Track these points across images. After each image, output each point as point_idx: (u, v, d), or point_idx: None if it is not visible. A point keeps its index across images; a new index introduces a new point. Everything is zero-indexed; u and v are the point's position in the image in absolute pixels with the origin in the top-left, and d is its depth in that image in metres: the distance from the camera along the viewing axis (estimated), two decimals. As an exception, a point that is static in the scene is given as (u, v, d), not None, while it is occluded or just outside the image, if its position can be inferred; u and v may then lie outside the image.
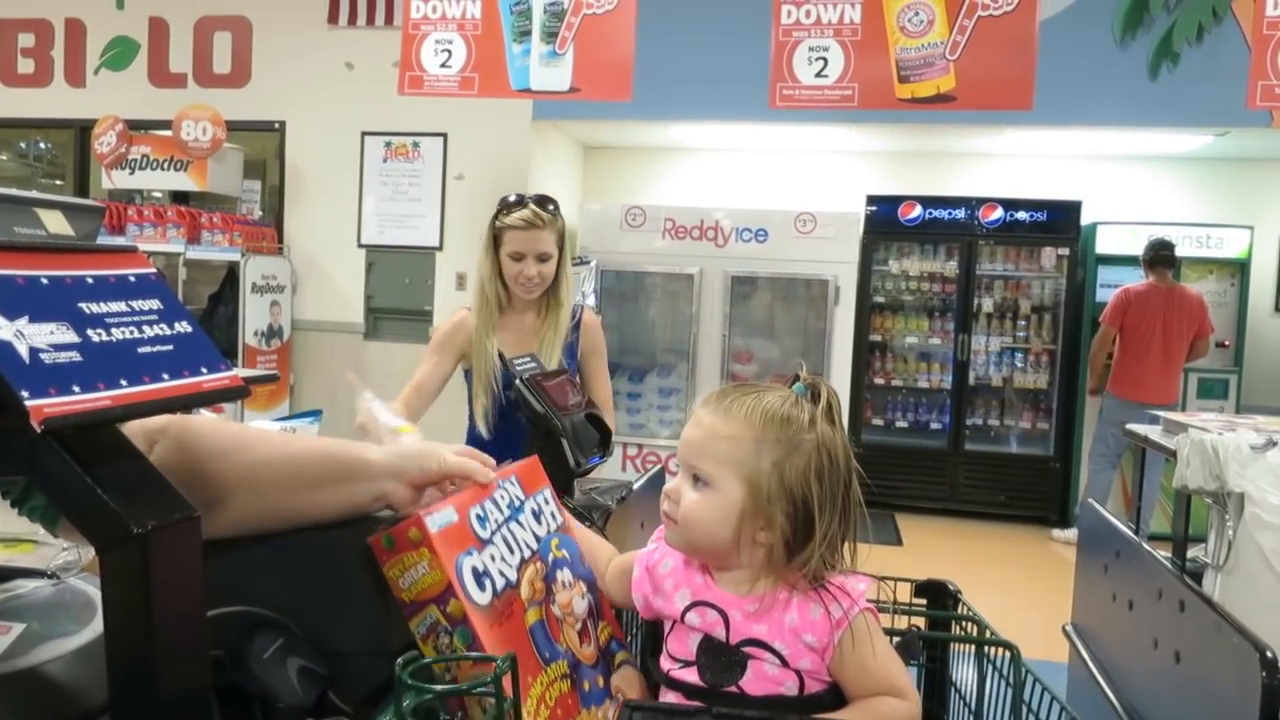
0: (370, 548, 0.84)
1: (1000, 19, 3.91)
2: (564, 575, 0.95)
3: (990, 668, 0.99)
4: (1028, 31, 3.90)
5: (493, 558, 0.85)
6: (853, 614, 0.86)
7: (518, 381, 1.64)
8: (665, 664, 0.91)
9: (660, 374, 6.31)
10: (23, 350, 0.58)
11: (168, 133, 6.02)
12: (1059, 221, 6.26)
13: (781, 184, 6.97)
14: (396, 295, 6.38)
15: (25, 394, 0.55)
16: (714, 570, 0.92)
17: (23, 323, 0.59)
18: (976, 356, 6.43)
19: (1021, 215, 6.32)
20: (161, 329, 0.69)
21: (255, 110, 6.38)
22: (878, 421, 6.54)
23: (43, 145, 7.60)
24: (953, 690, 1.07)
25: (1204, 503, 1.99)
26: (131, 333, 0.66)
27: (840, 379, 5.84)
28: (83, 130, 6.56)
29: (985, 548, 5.81)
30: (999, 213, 6.32)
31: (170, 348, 0.68)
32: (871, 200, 6.46)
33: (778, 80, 4.08)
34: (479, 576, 0.82)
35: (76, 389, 0.59)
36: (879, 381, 6.57)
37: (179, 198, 6.20)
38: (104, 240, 1.04)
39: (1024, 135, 6.11)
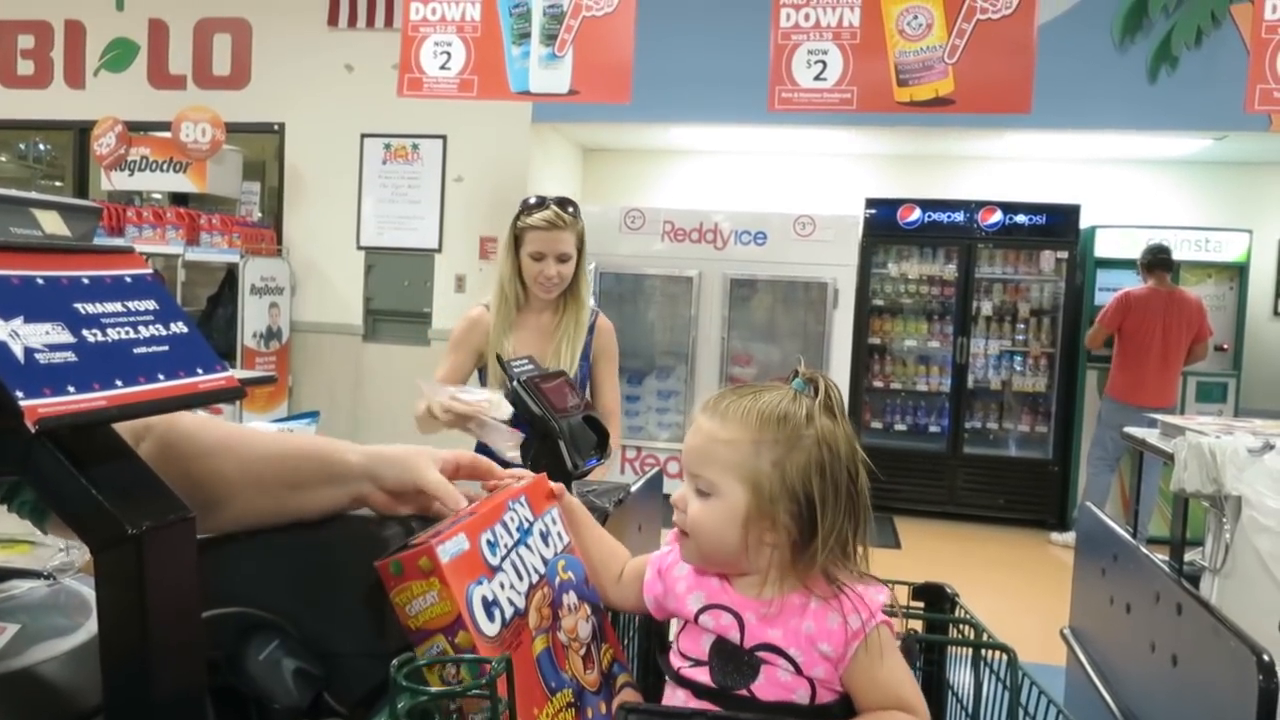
0: (377, 571, 0.82)
1: (999, 22, 3.92)
2: (569, 599, 0.94)
3: (987, 671, 0.98)
4: (1026, 35, 3.91)
5: (502, 585, 0.84)
6: (870, 626, 0.85)
7: (514, 383, 1.64)
8: (676, 661, 0.90)
9: (659, 376, 6.31)
10: (18, 350, 0.58)
11: (167, 134, 6.03)
12: (1058, 225, 6.27)
13: (780, 187, 6.98)
14: (395, 297, 6.38)
15: (20, 394, 0.55)
16: (729, 575, 0.91)
17: (18, 323, 0.59)
18: (975, 360, 6.43)
19: (1020, 218, 6.33)
20: (157, 330, 0.69)
21: (255, 112, 6.38)
22: (876, 424, 6.54)
23: (42, 147, 7.60)
24: (950, 694, 1.07)
25: (1201, 506, 1.99)
26: (127, 333, 0.66)
27: (839, 382, 5.79)
28: (82, 132, 6.57)
29: (984, 551, 5.81)
30: (998, 216, 6.33)
31: (166, 348, 0.68)
32: (870, 203, 6.46)
33: (777, 83, 4.09)
34: (488, 606, 0.81)
35: (71, 389, 0.58)
36: (878, 384, 6.57)
37: (178, 199, 6.21)
38: (102, 241, 1.04)
39: (1023, 138, 6.12)
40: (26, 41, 6.71)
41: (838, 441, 0.88)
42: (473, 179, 6.19)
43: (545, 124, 6.13)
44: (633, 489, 1.76)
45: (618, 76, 4.19)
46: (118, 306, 0.67)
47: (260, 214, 6.50)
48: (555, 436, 1.56)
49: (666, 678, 0.92)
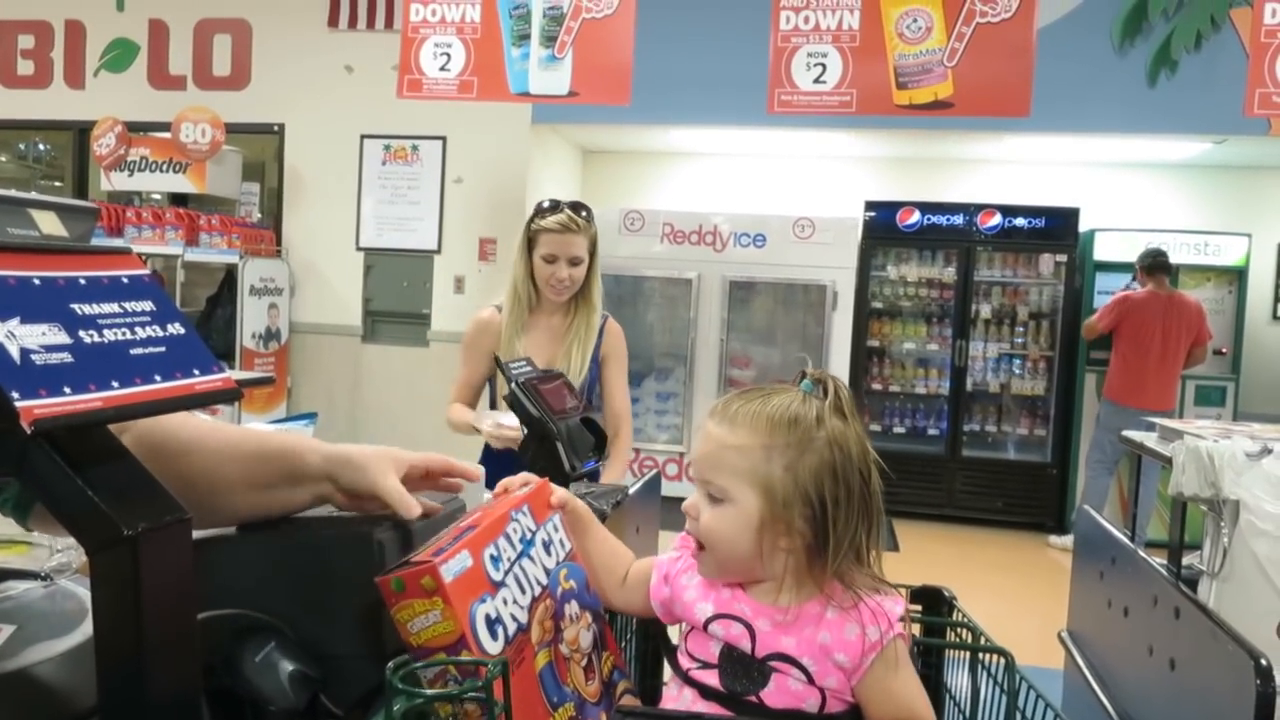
0: (378, 587, 0.82)
1: (998, 26, 3.92)
2: (571, 609, 0.93)
3: (985, 674, 0.98)
4: (1026, 38, 3.91)
5: (505, 601, 0.83)
6: (888, 639, 0.84)
7: (512, 385, 1.63)
8: (685, 662, 0.90)
9: (658, 378, 6.31)
10: (14, 351, 0.58)
11: (167, 135, 6.03)
12: (1057, 228, 6.28)
13: (780, 189, 6.98)
14: (394, 298, 6.38)
15: (15, 395, 0.55)
16: (745, 584, 0.90)
17: (14, 323, 0.59)
18: (974, 362, 6.44)
19: (1020, 221, 6.33)
20: (154, 330, 0.69)
21: (254, 113, 6.38)
22: (875, 427, 6.54)
23: (42, 147, 7.60)
24: (947, 697, 1.07)
25: (1199, 510, 1.99)
26: (124, 334, 0.66)
27: (838, 384, 5.84)
28: (82, 132, 6.57)
29: (982, 554, 5.81)
30: (997, 219, 6.33)
31: (163, 349, 0.68)
32: (870, 206, 6.47)
33: (776, 86, 4.09)
34: (491, 624, 0.80)
35: (67, 390, 0.58)
36: (876, 387, 6.57)
37: (178, 200, 6.21)
38: (101, 241, 1.04)
39: (1022, 141, 6.12)
40: (26, 41, 6.71)
41: (849, 442, 0.87)
42: (472, 180, 6.20)
43: (545, 125, 6.13)
44: (631, 491, 1.76)
45: (617, 78, 4.19)
46: (114, 307, 0.67)
47: (260, 215, 6.50)
48: (553, 438, 1.57)
49: (670, 678, 0.91)
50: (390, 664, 0.70)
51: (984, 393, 6.49)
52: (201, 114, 6.00)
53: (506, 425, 2.10)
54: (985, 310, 6.44)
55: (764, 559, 0.87)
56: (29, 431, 0.55)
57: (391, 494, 0.93)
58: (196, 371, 0.69)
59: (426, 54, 4.39)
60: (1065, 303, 6.33)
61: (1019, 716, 0.91)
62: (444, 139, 6.20)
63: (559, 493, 1.01)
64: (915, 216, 6.40)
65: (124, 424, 0.86)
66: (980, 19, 3.93)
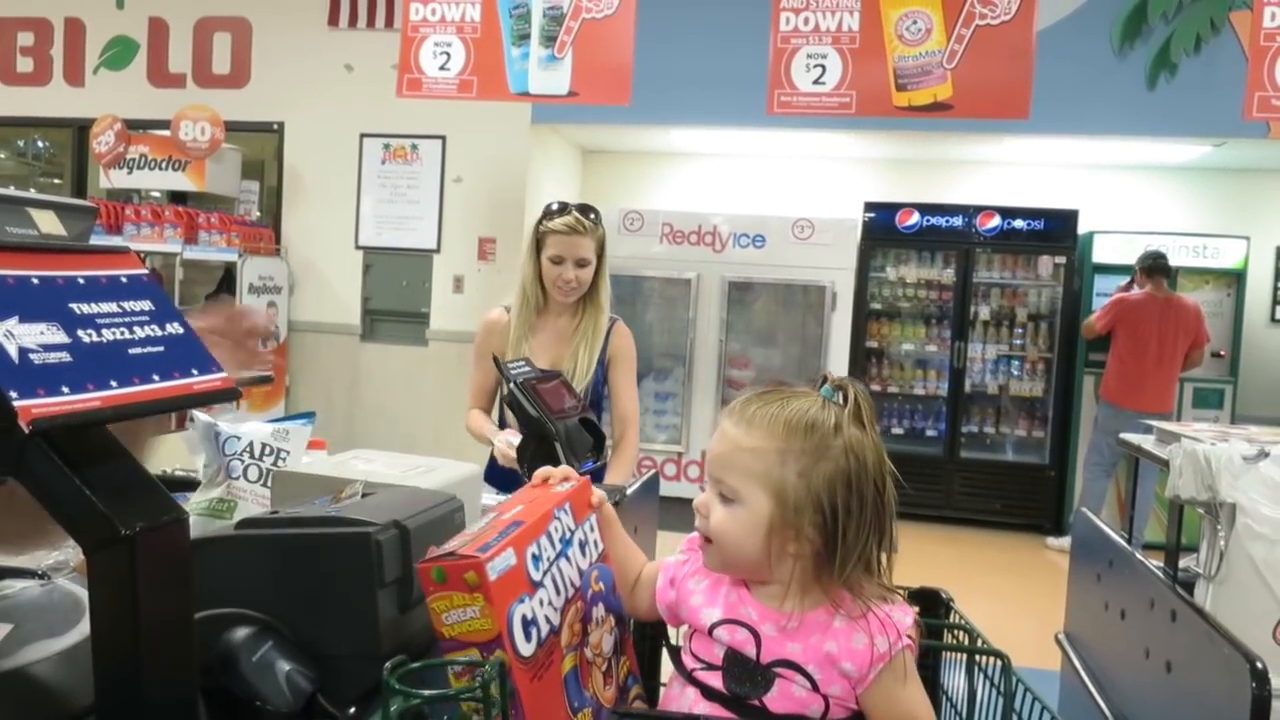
0: (418, 573, 0.80)
1: (998, 28, 3.92)
2: (598, 611, 0.93)
3: (982, 676, 0.98)
4: (1025, 40, 3.91)
5: (541, 602, 0.83)
6: (897, 650, 0.84)
7: (511, 385, 1.64)
8: (689, 662, 0.90)
9: (657, 379, 6.31)
10: (12, 350, 0.58)
11: (166, 133, 6.02)
12: (1056, 230, 6.28)
13: (779, 190, 6.98)
14: (394, 297, 6.38)
15: (14, 394, 0.55)
16: (751, 584, 0.90)
17: (12, 323, 0.59)
18: (973, 364, 6.44)
19: (1019, 223, 6.33)
20: (152, 330, 0.69)
21: (254, 111, 6.38)
22: (874, 428, 6.53)
23: (41, 144, 7.60)
24: (944, 699, 1.07)
25: (1196, 513, 1.99)
26: (122, 334, 0.66)
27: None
28: (81, 129, 6.56)
29: (980, 555, 5.81)
30: (996, 221, 6.33)
31: (161, 349, 0.68)
32: (869, 207, 6.47)
33: (776, 86, 4.09)
34: (527, 625, 0.80)
35: (65, 390, 0.58)
36: (875, 388, 6.56)
37: (177, 198, 6.20)
38: (100, 240, 1.04)
39: (1022, 144, 6.12)
40: (26, 39, 6.70)
41: (865, 452, 0.86)
42: (472, 180, 6.19)
43: (544, 125, 6.13)
44: (629, 491, 1.76)
45: (617, 78, 4.19)
46: (113, 307, 0.67)
47: (259, 213, 6.49)
48: (551, 438, 1.57)
49: (672, 677, 0.91)
50: (387, 664, 0.70)
51: (982, 394, 6.49)
52: (201, 112, 5.99)
53: (517, 446, 2.12)
54: (984, 312, 6.44)
55: (771, 562, 0.87)
56: (27, 431, 0.55)
57: None
58: (195, 371, 0.69)
59: (426, 53, 4.39)
60: (1064, 305, 6.33)
61: (1015, 718, 0.91)
62: (443, 138, 6.20)
63: (597, 492, 1.00)
64: (914, 218, 6.41)
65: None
66: (980, 21, 3.93)
